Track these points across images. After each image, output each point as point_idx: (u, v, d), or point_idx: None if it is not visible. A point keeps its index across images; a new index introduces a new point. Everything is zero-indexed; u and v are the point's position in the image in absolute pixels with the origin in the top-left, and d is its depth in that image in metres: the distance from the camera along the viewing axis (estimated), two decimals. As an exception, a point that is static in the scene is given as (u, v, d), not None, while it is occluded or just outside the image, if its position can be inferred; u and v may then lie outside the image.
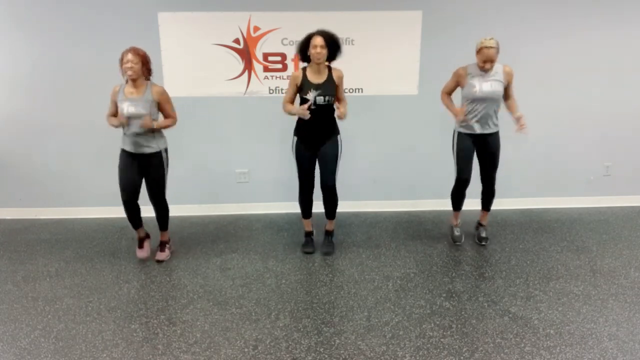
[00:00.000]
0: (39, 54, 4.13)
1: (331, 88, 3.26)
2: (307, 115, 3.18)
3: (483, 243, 3.75)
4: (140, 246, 3.56)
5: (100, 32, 4.08)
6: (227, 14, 4.11)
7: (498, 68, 3.36)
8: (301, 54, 3.27)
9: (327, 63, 3.29)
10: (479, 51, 3.28)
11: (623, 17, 4.24)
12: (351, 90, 4.27)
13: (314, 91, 3.22)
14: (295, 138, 3.42)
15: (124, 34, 4.04)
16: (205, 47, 4.17)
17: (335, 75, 3.29)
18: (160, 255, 3.56)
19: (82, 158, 4.38)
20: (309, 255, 3.60)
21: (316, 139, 3.35)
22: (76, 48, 4.12)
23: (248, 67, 4.24)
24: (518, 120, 3.34)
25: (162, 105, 3.30)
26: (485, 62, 3.25)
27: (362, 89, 4.31)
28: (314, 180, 3.48)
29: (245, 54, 4.21)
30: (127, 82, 3.22)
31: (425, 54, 4.25)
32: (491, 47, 3.20)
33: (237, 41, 4.18)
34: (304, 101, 3.25)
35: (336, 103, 3.34)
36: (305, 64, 3.33)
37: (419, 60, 4.27)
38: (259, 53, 4.21)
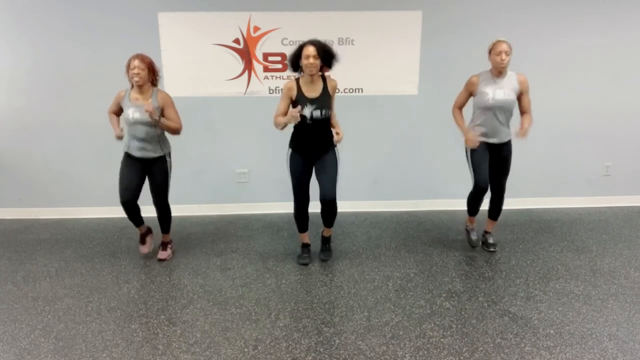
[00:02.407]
0: (39, 54, 4.13)
1: (327, 101, 3.15)
2: (297, 118, 3.01)
3: (492, 249, 3.67)
4: (143, 242, 3.59)
5: (101, 32, 4.09)
6: (227, 14, 4.11)
7: (512, 76, 3.30)
8: (292, 65, 3.14)
9: (320, 73, 3.16)
10: (492, 48, 3.20)
11: (623, 17, 4.24)
12: (351, 90, 4.27)
13: (310, 106, 3.08)
14: (290, 150, 3.28)
15: (124, 34, 4.05)
16: (205, 47, 4.17)
17: (330, 87, 3.17)
18: (162, 254, 3.57)
19: (82, 158, 4.39)
20: (305, 266, 3.45)
21: (312, 152, 3.22)
22: (76, 48, 4.12)
23: (248, 67, 4.24)
24: (524, 131, 3.23)
25: (166, 110, 3.26)
26: (500, 52, 3.14)
27: (362, 89, 4.31)
28: (309, 194, 3.32)
29: (245, 54, 4.21)
30: (132, 87, 3.23)
31: (425, 54, 4.24)
32: (504, 41, 3.16)
33: (237, 41, 4.18)
34: (301, 117, 3.09)
35: (332, 122, 3.24)
36: (296, 75, 3.20)
37: (419, 60, 4.27)
38: (259, 53, 4.21)
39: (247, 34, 4.16)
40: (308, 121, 3.12)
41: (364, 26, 4.17)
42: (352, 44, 4.20)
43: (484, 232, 3.77)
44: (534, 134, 4.43)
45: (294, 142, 3.26)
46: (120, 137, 3.23)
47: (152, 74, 3.20)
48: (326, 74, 3.25)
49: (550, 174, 4.62)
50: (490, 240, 3.71)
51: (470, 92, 3.36)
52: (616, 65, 4.35)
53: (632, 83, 4.41)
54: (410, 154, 4.51)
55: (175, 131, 3.32)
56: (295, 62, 3.12)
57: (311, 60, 3.00)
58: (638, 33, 4.30)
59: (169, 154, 3.40)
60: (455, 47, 4.19)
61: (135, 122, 3.16)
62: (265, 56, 4.22)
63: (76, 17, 4.06)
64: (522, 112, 3.40)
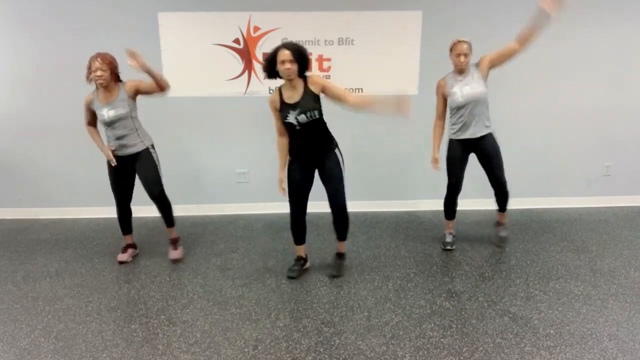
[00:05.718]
0: (39, 55, 4.14)
1: (311, 102, 2.91)
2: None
3: (501, 244, 3.71)
4: (124, 251, 3.56)
5: (101, 32, 4.09)
6: (227, 14, 4.11)
7: (473, 69, 3.32)
8: (268, 71, 2.93)
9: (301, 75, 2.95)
10: (452, 48, 3.27)
11: (623, 17, 4.24)
12: (351, 90, 4.27)
13: (293, 112, 2.91)
14: (289, 158, 3.12)
15: (124, 34, 4.05)
16: (205, 47, 4.17)
17: (312, 85, 2.93)
18: (175, 254, 3.54)
19: (82, 158, 4.38)
20: (292, 279, 3.24)
21: (311, 158, 3.06)
22: (76, 48, 4.12)
23: (248, 67, 4.24)
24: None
25: (140, 85, 3.19)
26: (459, 55, 3.21)
27: (362, 89, 4.31)
28: (306, 204, 3.17)
29: (245, 54, 4.21)
30: (97, 88, 3.21)
31: (425, 54, 4.25)
32: (464, 42, 3.22)
33: (237, 41, 4.18)
34: (288, 125, 2.98)
35: (341, 102, 2.92)
36: (278, 84, 3.03)
37: (419, 60, 4.27)
38: (259, 53, 4.21)
39: (247, 34, 4.16)
40: (297, 127, 2.96)
41: (364, 26, 4.17)
42: (352, 44, 4.20)
43: (497, 222, 3.83)
44: (534, 134, 4.46)
45: (291, 151, 3.11)
46: (114, 161, 3.24)
47: (114, 73, 3.16)
48: (307, 73, 2.99)
49: (550, 174, 4.62)
50: (502, 234, 3.75)
51: (442, 95, 3.45)
52: (616, 65, 4.35)
53: (632, 83, 4.41)
54: (410, 154, 4.51)
55: (163, 82, 3.13)
56: (271, 68, 2.91)
57: (287, 65, 2.81)
58: (638, 33, 4.30)
59: (152, 145, 3.36)
60: (455, 47, 4.19)
61: (112, 120, 3.15)
62: (265, 56, 4.21)
63: (76, 17, 4.06)
64: (519, 39, 3.22)
